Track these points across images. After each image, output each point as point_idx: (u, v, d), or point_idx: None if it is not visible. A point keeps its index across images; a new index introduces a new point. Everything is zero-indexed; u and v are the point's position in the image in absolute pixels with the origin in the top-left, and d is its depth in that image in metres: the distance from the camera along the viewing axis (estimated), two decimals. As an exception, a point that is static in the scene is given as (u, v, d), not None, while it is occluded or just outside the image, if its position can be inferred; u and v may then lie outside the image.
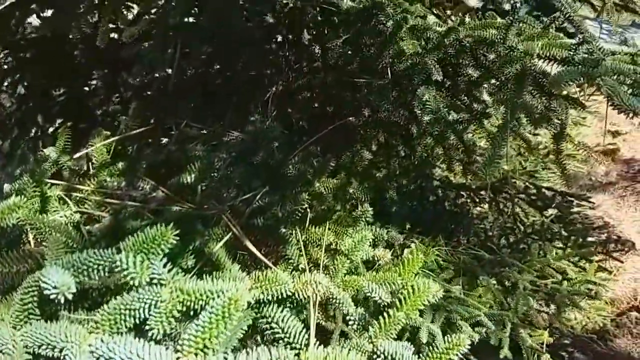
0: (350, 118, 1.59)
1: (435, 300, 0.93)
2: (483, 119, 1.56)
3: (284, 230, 1.09)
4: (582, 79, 1.15)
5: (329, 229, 1.12)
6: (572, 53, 1.29)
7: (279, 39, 2.11)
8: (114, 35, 2.12)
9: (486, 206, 2.92)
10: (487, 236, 2.58)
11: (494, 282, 2.26)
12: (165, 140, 1.78)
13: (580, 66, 1.19)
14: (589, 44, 1.25)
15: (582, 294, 2.24)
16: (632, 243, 3.50)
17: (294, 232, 1.08)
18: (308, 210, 1.09)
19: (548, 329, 2.41)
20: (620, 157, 4.16)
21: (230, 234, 1.06)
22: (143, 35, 1.49)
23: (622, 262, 2.59)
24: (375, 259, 1.05)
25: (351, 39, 1.59)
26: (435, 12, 2.31)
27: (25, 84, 2.85)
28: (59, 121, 2.75)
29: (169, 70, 1.73)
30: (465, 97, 1.60)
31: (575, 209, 3.20)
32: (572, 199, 2.82)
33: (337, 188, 1.25)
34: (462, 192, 2.71)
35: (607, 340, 3.03)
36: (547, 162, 3.11)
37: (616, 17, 1.89)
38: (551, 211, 2.94)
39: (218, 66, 1.89)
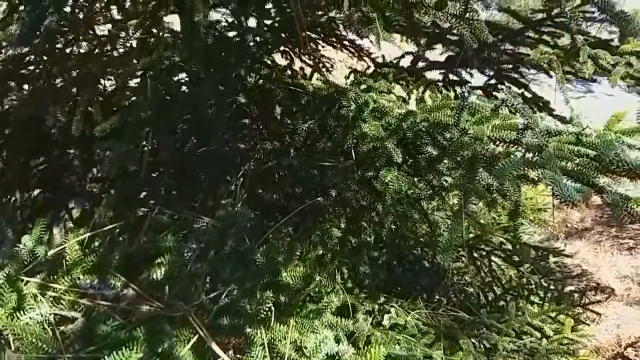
0: (319, 198, 1.65)
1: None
2: (444, 193, 1.63)
3: (249, 330, 1.11)
4: (525, 168, 1.23)
5: (295, 322, 1.14)
6: (519, 136, 1.38)
7: (252, 111, 2.20)
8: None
9: (464, 260, 2.97)
10: (466, 295, 2.61)
11: (475, 343, 2.26)
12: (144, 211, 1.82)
13: (524, 152, 1.27)
14: (532, 129, 1.34)
15: (559, 352, 2.26)
16: (611, 289, 3.55)
17: (258, 331, 1.11)
18: (273, 307, 1.12)
19: (533, 387, 2.41)
20: (593, 202, 4.28)
21: (197, 335, 1.08)
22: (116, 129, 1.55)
23: (599, 314, 2.62)
24: (340, 353, 1.08)
25: (318, 122, 1.67)
26: (401, 83, 2.44)
27: (4, 158, 2.89)
28: (37, 191, 2.79)
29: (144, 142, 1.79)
30: (427, 173, 1.68)
31: (553, 259, 3.25)
32: (547, 252, 2.88)
33: (304, 277, 1.28)
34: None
35: (595, 390, 3.01)
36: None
37: (565, 87, 2.01)
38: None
39: (191, 145, 1.96)
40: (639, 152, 1.51)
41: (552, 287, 2.88)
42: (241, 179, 1.75)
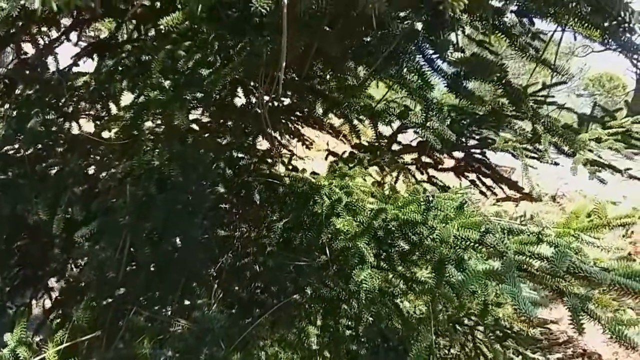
0: (295, 295, 1.68)
1: None
2: (417, 287, 1.67)
3: None
4: (488, 278, 1.28)
5: None
6: (482, 237, 1.44)
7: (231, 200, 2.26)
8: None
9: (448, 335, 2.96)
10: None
11: None
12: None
13: (487, 264, 1.34)
14: (493, 234, 1.40)
15: None
16: (598, 355, 3.53)
17: None
18: None
19: None
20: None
21: None
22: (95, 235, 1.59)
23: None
24: None
25: (292, 221, 1.73)
26: (379, 164, 2.53)
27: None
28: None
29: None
30: (401, 266, 1.72)
31: (538, 329, 3.26)
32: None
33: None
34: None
35: None
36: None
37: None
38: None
39: (168, 241, 1.99)
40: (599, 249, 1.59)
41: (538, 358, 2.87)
42: (218, 274, 1.78)
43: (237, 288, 1.79)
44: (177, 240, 1.78)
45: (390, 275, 1.67)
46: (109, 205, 1.69)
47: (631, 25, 0.69)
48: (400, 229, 1.65)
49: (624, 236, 4.91)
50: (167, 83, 1.87)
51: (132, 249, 1.85)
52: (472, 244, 1.46)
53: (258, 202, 2.11)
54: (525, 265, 1.32)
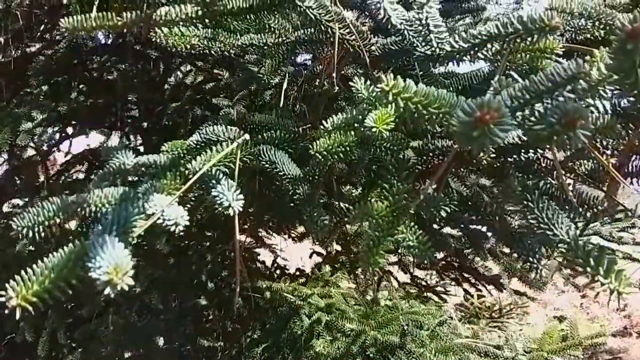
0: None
1: None
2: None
3: None
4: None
5: None
6: (459, 366, 1.47)
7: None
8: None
9: None
10: None
11: None
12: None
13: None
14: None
15: None
16: None
17: None
18: None
19: None
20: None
21: None
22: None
23: None
24: None
25: (272, 343, 1.75)
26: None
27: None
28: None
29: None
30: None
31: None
32: None
33: None
34: None
35: None
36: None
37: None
38: None
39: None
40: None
41: None
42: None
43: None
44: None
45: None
46: (92, 334, 1.70)
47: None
48: (380, 352, 1.66)
49: (617, 309, 4.87)
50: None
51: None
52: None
53: (240, 316, 2.12)
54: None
